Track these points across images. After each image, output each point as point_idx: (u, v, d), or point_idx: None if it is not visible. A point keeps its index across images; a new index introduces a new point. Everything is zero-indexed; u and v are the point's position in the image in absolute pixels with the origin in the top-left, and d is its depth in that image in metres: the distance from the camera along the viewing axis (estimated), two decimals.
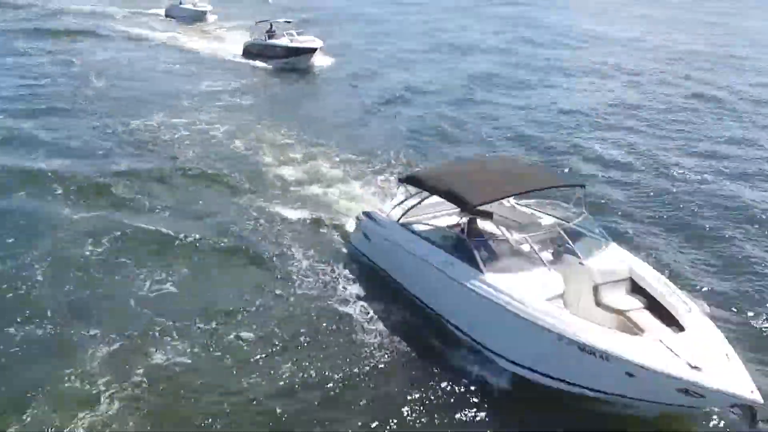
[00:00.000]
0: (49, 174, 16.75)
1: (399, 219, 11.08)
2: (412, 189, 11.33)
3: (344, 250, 12.93)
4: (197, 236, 13.25)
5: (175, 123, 22.77)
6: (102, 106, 24.91)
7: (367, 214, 11.83)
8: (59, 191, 15.86)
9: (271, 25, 33.72)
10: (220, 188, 16.69)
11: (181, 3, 49.28)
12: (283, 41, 32.23)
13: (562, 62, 34.12)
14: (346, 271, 11.90)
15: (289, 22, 34.09)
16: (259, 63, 32.56)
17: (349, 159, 18.84)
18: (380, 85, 28.84)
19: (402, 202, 11.49)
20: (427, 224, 11.00)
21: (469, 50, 37.75)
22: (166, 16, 49.77)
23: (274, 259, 12.56)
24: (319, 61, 32.12)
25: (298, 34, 32.78)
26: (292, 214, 14.68)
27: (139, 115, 23.50)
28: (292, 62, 31.51)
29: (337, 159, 18.88)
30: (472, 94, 27.52)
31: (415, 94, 27.24)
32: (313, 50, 31.04)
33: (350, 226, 13.34)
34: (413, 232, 10.71)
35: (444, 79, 30.07)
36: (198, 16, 47.65)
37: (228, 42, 38.62)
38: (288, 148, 20.12)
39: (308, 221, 14.27)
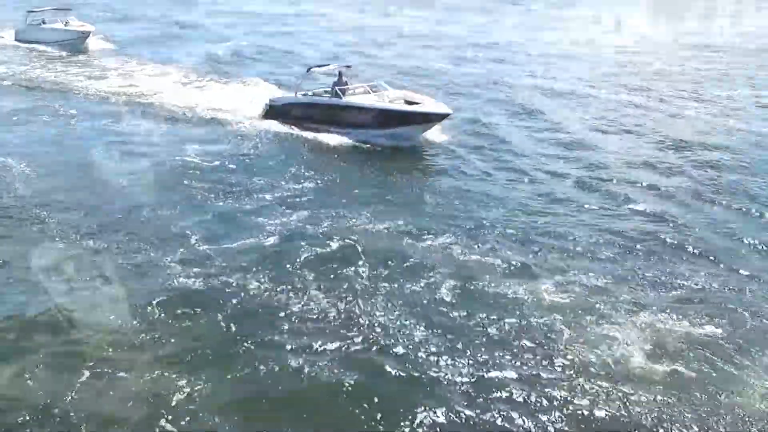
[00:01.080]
0: None
1: None
2: None
3: None
4: None
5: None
6: (59, 218, 13.55)
7: None
8: None
9: (341, 75, 20.45)
10: None
11: (43, 22, 34.50)
12: (375, 100, 19.44)
13: None
14: None
15: (348, 66, 21.73)
16: (320, 135, 19.67)
17: None
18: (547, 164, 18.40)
19: None
20: None
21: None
22: (18, 41, 34.58)
23: None
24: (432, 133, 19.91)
25: (375, 88, 20.27)
26: None
27: (160, 248, 12.47)
28: (397, 135, 19.05)
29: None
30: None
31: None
32: (442, 117, 18.84)
33: None
34: None
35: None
36: (74, 42, 33.44)
37: (179, 91, 25.30)
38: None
39: None
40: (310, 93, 21.19)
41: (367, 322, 10.01)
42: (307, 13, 67.52)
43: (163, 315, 10.02)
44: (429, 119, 18.93)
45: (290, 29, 51.73)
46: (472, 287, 11.13)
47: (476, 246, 12.64)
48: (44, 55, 32.48)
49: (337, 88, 19.95)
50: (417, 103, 19.19)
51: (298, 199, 15.04)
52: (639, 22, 53.99)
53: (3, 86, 26.18)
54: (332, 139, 19.50)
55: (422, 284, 11.15)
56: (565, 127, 22.34)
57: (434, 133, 19.77)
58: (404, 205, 14.96)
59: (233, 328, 9.78)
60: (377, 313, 10.26)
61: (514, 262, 12.00)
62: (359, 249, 12.26)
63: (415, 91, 21.33)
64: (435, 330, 9.86)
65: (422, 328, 9.90)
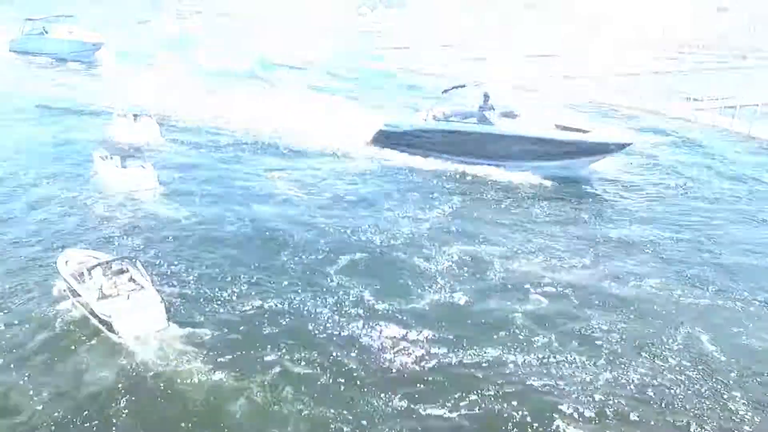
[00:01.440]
0: None
1: None
2: None
3: None
4: None
5: None
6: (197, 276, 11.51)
7: None
8: None
9: (487, 97, 17.53)
10: None
11: (44, 31, 31.13)
12: (530, 128, 16.81)
13: None
14: None
15: (477, 84, 19.04)
16: (462, 166, 17.10)
17: None
18: None
19: None
20: None
21: None
22: (14, 51, 31.22)
23: None
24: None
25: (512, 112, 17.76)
26: None
27: None
28: (562, 167, 16.73)
29: None
30: None
31: None
32: (622, 147, 16.74)
33: None
34: None
35: None
36: (83, 54, 30.29)
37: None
38: None
39: None
40: (442, 117, 18.13)
41: (656, 397, 8.37)
42: (283, 12, 64.84)
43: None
44: (605, 150, 16.46)
45: (277, 30, 49.70)
46: (732, 339, 9.66)
47: (697, 287, 11.18)
48: (55, 68, 29.25)
49: (485, 112, 17.24)
50: (580, 130, 16.61)
51: (453, 234, 13.22)
52: None
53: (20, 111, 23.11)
54: (478, 170, 16.96)
55: (679, 340, 9.58)
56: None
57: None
58: (583, 241, 13.24)
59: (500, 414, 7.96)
60: (649, 380, 8.67)
61: (756, 304, 10.61)
62: (574, 301, 10.59)
63: (562, 114, 19.13)
64: (743, 399, 8.35)
65: (720, 397, 8.37)
